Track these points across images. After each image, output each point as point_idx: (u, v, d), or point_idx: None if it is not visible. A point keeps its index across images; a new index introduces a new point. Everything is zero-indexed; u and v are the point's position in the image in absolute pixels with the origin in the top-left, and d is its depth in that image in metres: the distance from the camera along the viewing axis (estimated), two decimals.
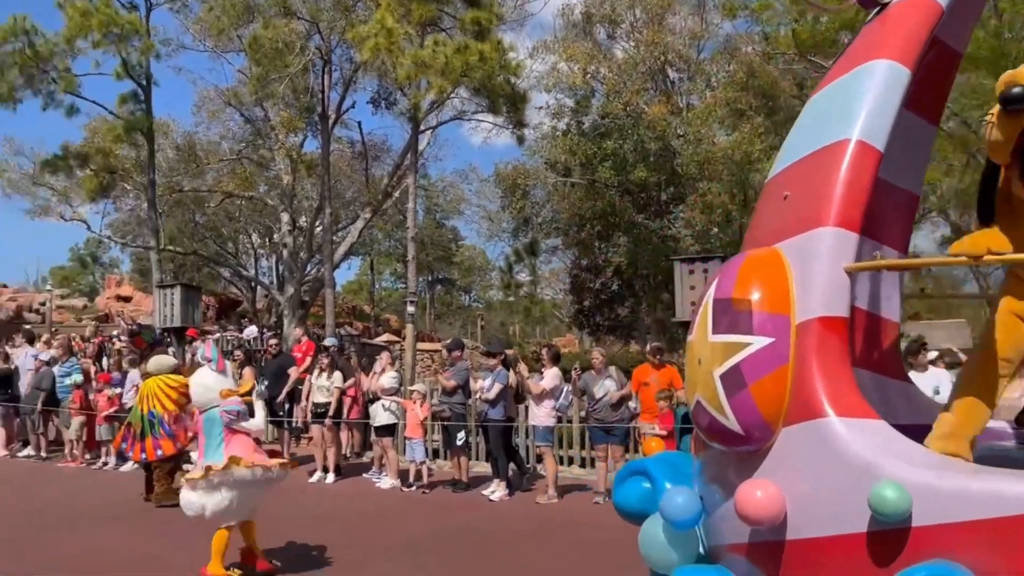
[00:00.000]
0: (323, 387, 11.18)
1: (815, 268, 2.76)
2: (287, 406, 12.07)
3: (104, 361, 14.50)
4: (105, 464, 12.17)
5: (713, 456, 3.07)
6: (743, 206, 21.35)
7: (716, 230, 21.47)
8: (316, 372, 11.44)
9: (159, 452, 9.26)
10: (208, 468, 5.94)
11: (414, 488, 10.35)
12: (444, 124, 21.28)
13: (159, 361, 9.53)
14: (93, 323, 19.28)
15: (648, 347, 10.96)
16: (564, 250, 29.39)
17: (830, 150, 2.91)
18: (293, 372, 12.18)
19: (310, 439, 11.85)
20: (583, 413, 10.82)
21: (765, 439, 2.72)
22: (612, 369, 10.31)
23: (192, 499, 6.05)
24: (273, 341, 14.12)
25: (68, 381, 12.70)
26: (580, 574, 6.45)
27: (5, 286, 50.95)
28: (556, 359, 10.34)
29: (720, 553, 3.03)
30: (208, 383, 6.29)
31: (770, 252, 2.94)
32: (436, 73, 14.66)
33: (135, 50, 17.97)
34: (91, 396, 12.45)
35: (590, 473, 10.94)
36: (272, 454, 6.56)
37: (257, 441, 6.45)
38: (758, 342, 2.74)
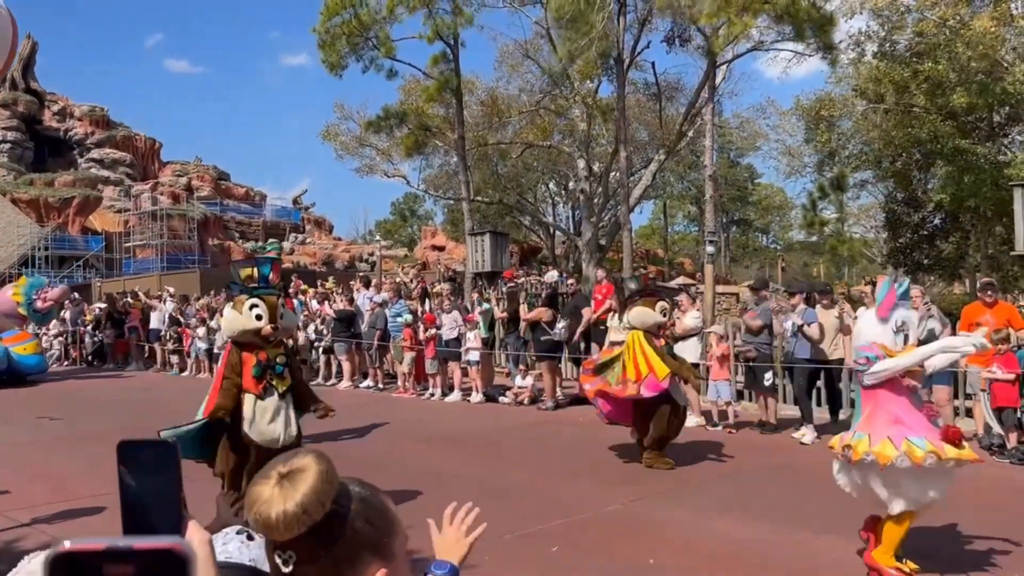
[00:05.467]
0: (617, 327, 11.41)
1: None
2: (582, 345, 12.52)
3: (427, 303, 15.92)
4: (432, 395, 13.47)
5: None
6: None
7: None
8: (611, 313, 11.69)
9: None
10: (846, 446, 4.64)
11: (719, 428, 10.32)
12: (741, 56, 20.43)
13: (641, 314, 8.50)
14: (415, 270, 21.29)
15: (979, 284, 9.90)
16: (875, 183, 27.16)
17: None
18: (586, 312, 12.57)
19: None
20: None
21: None
22: (933, 307, 9.51)
23: (840, 476, 4.88)
24: (571, 281, 14.55)
25: (399, 320, 14.14)
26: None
27: (340, 239, 58.06)
28: None
29: None
30: (861, 329, 4.96)
31: None
32: (738, 9, 14.11)
33: (442, 19, 19.14)
34: (420, 335, 13.76)
35: None
36: (950, 434, 4.54)
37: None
38: None
